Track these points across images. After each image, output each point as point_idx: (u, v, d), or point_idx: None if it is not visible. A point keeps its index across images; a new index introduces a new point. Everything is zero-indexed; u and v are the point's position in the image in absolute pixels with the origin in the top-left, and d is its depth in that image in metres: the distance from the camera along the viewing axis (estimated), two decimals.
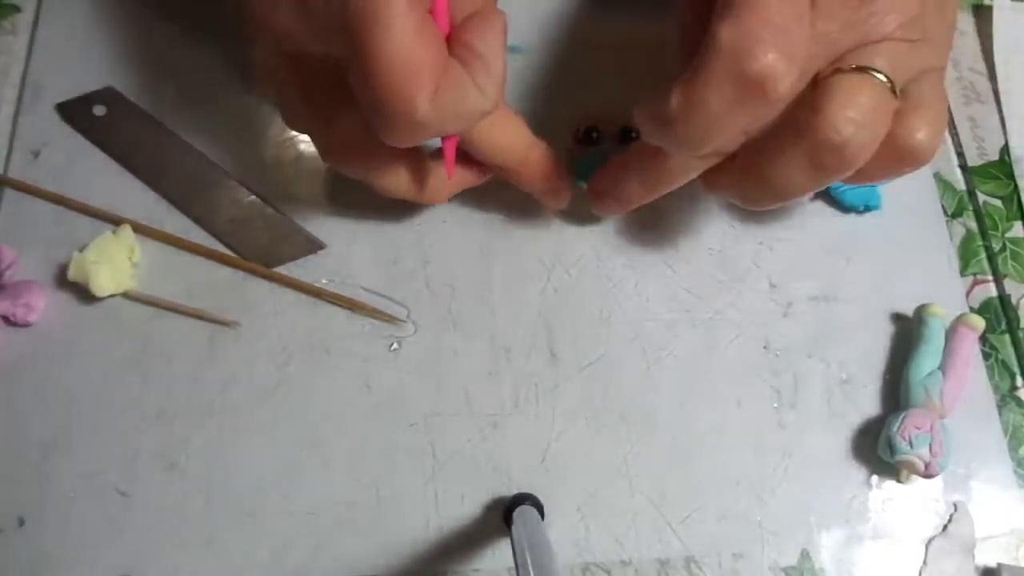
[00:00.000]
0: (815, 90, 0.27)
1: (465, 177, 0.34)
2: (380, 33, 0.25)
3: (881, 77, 0.27)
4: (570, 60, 0.40)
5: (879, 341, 0.36)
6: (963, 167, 0.40)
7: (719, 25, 0.25)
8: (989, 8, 0.44)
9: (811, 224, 0.38)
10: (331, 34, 0.26)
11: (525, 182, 0.34)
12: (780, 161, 0.28)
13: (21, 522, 0.32)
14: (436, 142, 0.31)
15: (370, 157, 0.31)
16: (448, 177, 0.32)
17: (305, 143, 0.38)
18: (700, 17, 0.27)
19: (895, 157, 0.28)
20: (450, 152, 0.31)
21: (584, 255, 0.37)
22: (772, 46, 0.25)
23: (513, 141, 0.33)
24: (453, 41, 0.28)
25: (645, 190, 0.33)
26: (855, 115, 0.26)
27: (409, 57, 0.25)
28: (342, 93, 0.28)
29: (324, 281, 0.36)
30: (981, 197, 0.40)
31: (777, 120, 0.27)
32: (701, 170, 0.31)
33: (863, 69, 0.27)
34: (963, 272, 0.38)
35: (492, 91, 0.28)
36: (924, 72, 0.28)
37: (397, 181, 0.32)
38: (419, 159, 0.32)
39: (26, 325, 0.34)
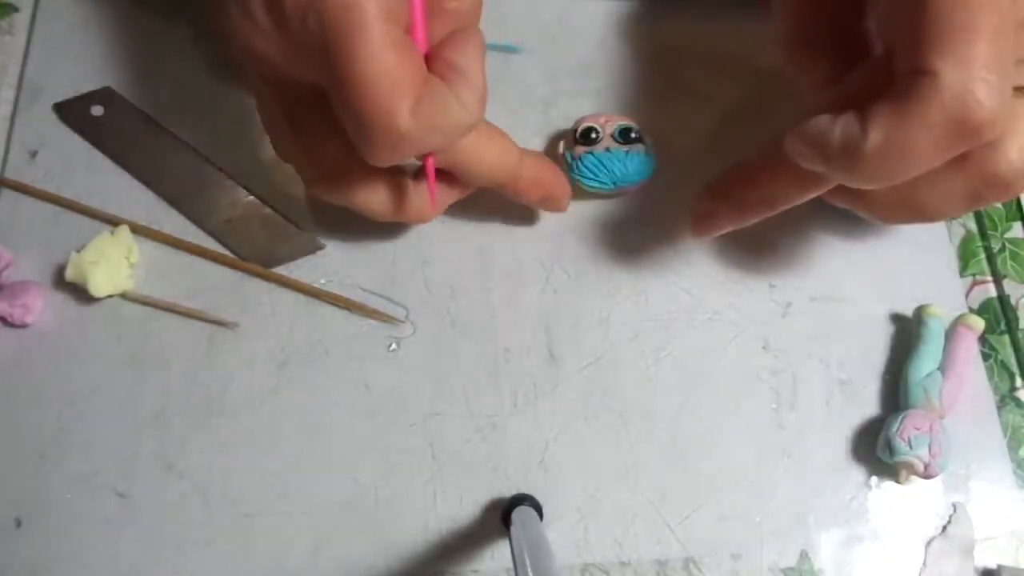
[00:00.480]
0: None
1: (450, 194, 0.34)
2: (358, 47, 0.25)
3: None
4: (570, 60, 0.40)
5: (879, 341, 0.36)
6: None
7: (936, 60, 0.23)
8: None
9: (811, 224, 0.38)
10: (309, 55, 0.27)
11: (522, 196, 0.34)
12: (939, 188, 0.26)
13: (18, 523, 0.32)
14: (416, 162, 0.32)
15: (354, 184, 0.31)
16: (431, 195, 0.32)
17: None
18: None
19: (979, 182, 0.27)
20: (431, 170, 0.31)
21: (584, 255, 0.37)
22: (997, 90, 0.23)
23: (501, 159, 0.32)
24: (433, 58, 0.28)
25: (768, 210, 0.31)
26: None
27: (388, 69, 0.26)
28: (325, 122, 0.29)
29: (323, 281, 0.36)
30: None
31: None
32: (832, 184, 0.28)
33: None
34: (963, 272, 0.38)
35: (473, 104, 0.28)
36: None
37: (382, 204, 0.32)
38: (401, 180, 0.32)
39: (23, 326, 0.34)
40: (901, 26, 0.25)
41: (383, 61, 0.25)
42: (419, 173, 0.32)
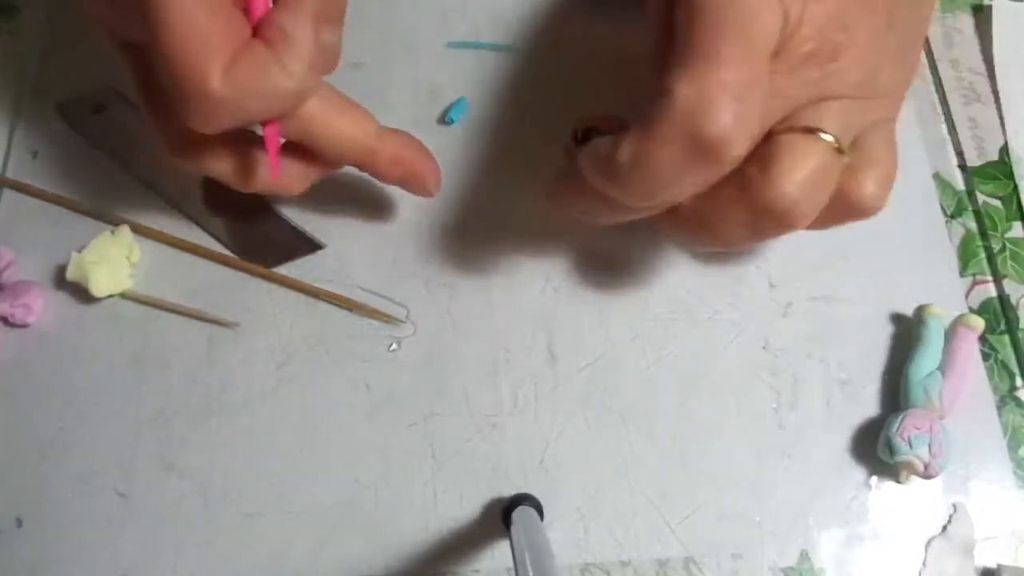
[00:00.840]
0: (764, 146, 0.26)
1: (311, 169, 0.32)
2: (167, 4, 0.25)
3: (829, 138, 0.26)
4: (570, 60, 0.40)
5: (879, 341, 0.36)
6: (963, 167, 0.40)
7: (674, 81, 0.24)
8: (989, 8, 0.44)
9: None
10: (131, 14, 0.26)
11: (382, 175, 0.33)
12: (725, 216, 0.27)
13: (19, 523, 0.32)
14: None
15: (202, 151, 0.30)
16: (273, 169, 0.30)
17: None
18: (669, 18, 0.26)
19: (842, 210, 0.28)
20: (270, 140, 0.29)
21: (584, 255, 0.37)
22: (729, 110, 0.24)
23: (354, 132, 0.31)
24: (262, 23, 0.27)
25: (593, 216, 0.31)
26: (801, 181, 0.26)
27: (197, 28, 0.25)
28: None
29: (324, 281, 0.36)
30: (981, 197, 0.40)
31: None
32: (644, 214, 0.29)
33: (811, 131, 0.26)
34: (963, 272, 0.38)
35: (297, 68, 0.27)
36: (876, 124, 0.28)
37: (231, 173, 0.31)
38: (248, 149, 0.31)
39: (24, 326, 0.34)
40: (661, 47, 0.27)
41: (192, 19, 0.25)
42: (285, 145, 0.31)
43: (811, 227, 0.28)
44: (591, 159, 0.27)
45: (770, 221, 0.27)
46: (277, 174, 0.30)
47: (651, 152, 0.25)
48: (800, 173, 0.26)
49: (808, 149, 0.26)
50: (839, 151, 0.26)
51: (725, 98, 0.24)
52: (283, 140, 0.30)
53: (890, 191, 0.28)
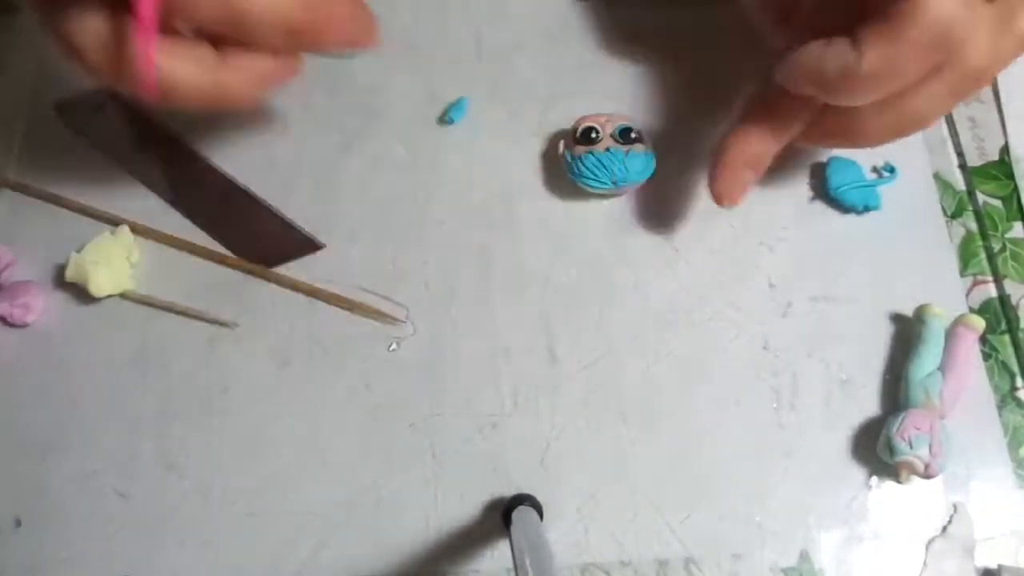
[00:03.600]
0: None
1: (260, 67, 0.28)
2: None
3: None
4: (570, 60, 0.40)
5: (879, 341, 0.36)
6: (963, 167, 0.40)
7: None
8: None
9: (811, 224, 0.38)
10: None
11: (320, 42, 0.28)
12: (924, 93, 0.29)
13: (19, 523, 0.32)
14: None
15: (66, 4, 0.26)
16: (144, 59, 0.24)
17: (305, 142, 0.38)
18: None
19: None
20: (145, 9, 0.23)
21: (584, 255, 0.37)
22: (967, 4, 0.26)
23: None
24: None
25: (775, 144, 0.33)
26: (1008, 39, 0.28)
27: None
28: None
29: (324, 281, 0.36)
30: (981, 197, 0.39)
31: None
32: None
33: None
34: (963, 272, 0.38)
35: None
36: None
37: (93, 48, 0.26)
38: (122, 24, 0.26)
39: (24, 326, 0.34)
40: None
41: None
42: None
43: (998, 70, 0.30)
44: (809, 69, 0.29)
45: (971, 82, 0.29)
46: (151, 64, 0.24)
47: (900, 52, 0.27)
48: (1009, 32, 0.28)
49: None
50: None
51: None
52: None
53: None
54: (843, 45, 0.28)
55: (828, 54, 0.28)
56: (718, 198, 0.33)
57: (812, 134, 0.33)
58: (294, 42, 0.28)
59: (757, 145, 0.33)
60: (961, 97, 0.29)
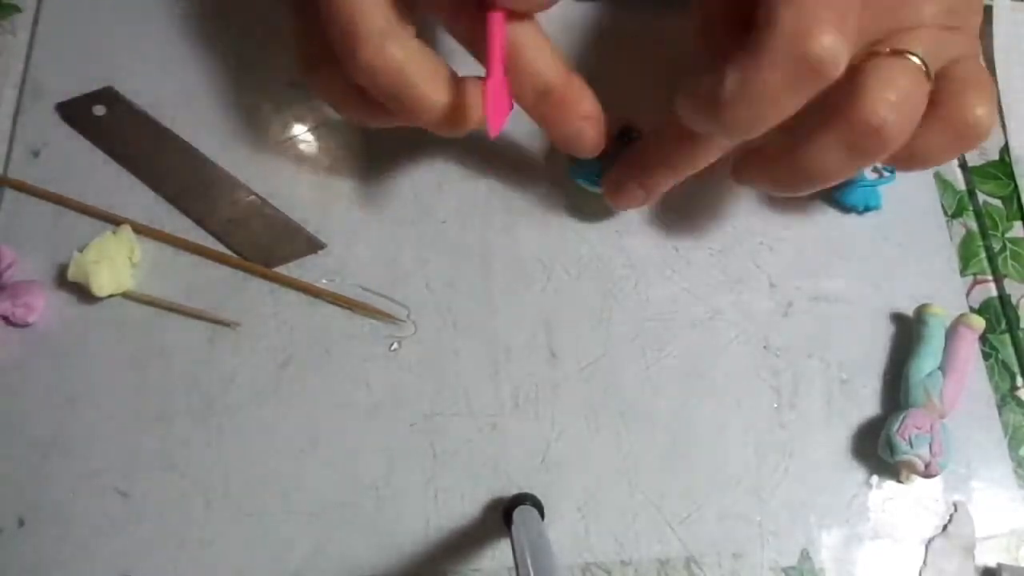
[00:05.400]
0: (851, 73, 0.27)
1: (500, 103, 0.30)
2: None
3: (916, 60, 0.27)
4: (570, 60, 0.40)
5: (879, 341, 0.36)
6: (963, 167, 0.40)
7: (775, 6, 0.25)
8: (989, 8, 0.44)
9: (811, 224, 0.38)
10: None
11: (558, 119, 0.32)
12: (815, 145, 0.28)
13: (21, 522, 0.32)
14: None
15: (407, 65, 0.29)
16: (490, 107, 0.28)
17: (305, 143, 0.38)
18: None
19: (956, 136, 0.29)
20: (496, 52, 0.28)
21: (584, 255, 0.37)
22: (833, 27, 0.25)
23: (551, 57, 0.31)
24: None
25: (671, 174, 0.33)
26: (893, 97, 0.27)
27: None
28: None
29: (324, 281, 0.36)
30: (981, 197, 0.40)
31: (810, 105, 0.27)
32: (727, 149, 0.31)
33: (899, 52, 0.27)
34: (963, 272, 0.38)
35: None
36: (962, 57, 0.29)
37: (436, 105, 0.29)
38: (461, 79, 0.30)
39: (25, 325, 0.34)
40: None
41: None
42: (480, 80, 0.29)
43: (922, 163, 0.30)
44: (691, 97, 0.28)
45: (864, 140, 0.27)
46: (498, 104, 0.28)
47: (758, 78, 0.26)
48: (891, 91, 0.27)
49: (897, 69, 0.27)
50: (927, 76, 0.28)
51: (827, 14, 0.25)
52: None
53: (995, 110, 0.30)
54: (707, 74, 0.27)
55: (699, 82, 0.28)
56: (609, 201, 0.35)
57: (733, 170, 0.33)
58: (550, 104, 0.32)
59: (655, 171, 0.33)
60: (860, 156, 0.28)
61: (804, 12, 0.25)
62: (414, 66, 0.28)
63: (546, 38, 0.31)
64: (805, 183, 0.30)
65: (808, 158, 0.29)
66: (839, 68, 0.25)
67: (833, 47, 0.25)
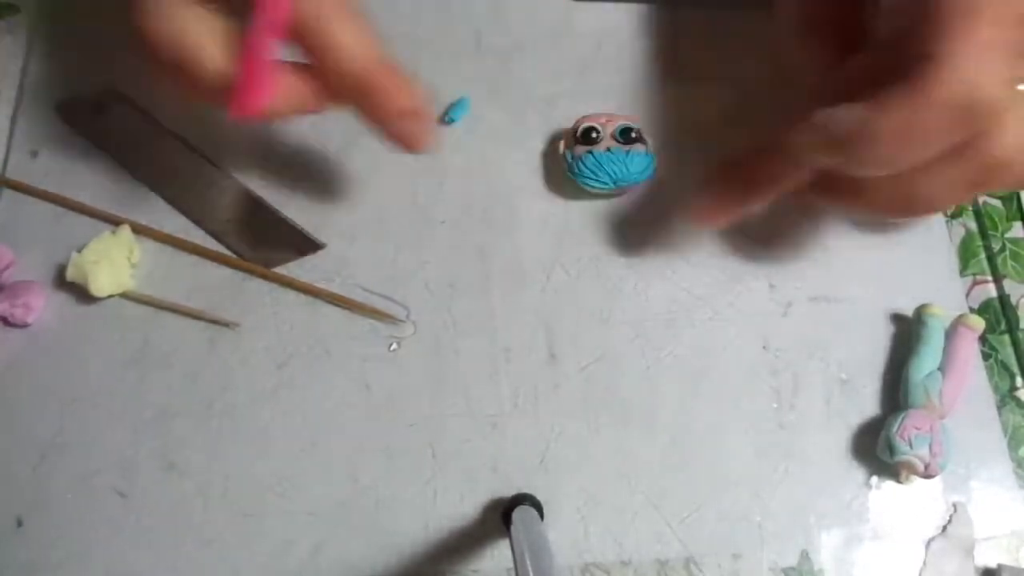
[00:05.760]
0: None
1: (293, 91, 0.29)
2: None
3: None
4: (570, 60, 0.40)
5: (879, 341, 0.36)
6: None
7: (942, 44, 0.23)
8: None
9: (811, 224, 0.38)
10: None
11: (376, 106, 0.29)
12: (939, 177, 0.26)
13: (19, 523, 0.32)
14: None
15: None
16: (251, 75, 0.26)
17: (305, 143, 0.38)
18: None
19: None
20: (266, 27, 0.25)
21: (584, 255, 0.37)
22: (999, 74, 0.23)
23: (360, 39, 0.28)
24: None
25: (759, 198, 0.31)
26: None
27: None
28: None
29: (324, 281, 0.36)
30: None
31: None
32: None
33: None
34: (963, 272, 0.38)
35: None
36: None
37: (211, 56, 0.28)
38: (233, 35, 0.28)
39: (24, 325, 0.34)
40: (906, 11, 0.25)
41: None
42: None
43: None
44: (829, 131, 0.26)
45: (993, 175, 0.26)
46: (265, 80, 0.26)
47: (917, 119, 0.24)
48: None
49: None
50: None
51: (996, 62, 0.23)
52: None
53: None
54: (858, 108, 0.25)
55: (843, 117, 0.26)
56: (698, 219, 0.33)
57: (817, 192, 0.31)
58: (357, 87, 0.29)
59: (750, 196, 0.31)
60: (977, 189, 0.27)
61: (971, 52, 0.23)
62: (191, 35, 0.27)
63: (355, 12, 0.28)
64: (917, 212, 0.29)
65: (924, 186, 0.27)
66: (1000, 112, 0.24)
67: (999, 91, 0.23)
